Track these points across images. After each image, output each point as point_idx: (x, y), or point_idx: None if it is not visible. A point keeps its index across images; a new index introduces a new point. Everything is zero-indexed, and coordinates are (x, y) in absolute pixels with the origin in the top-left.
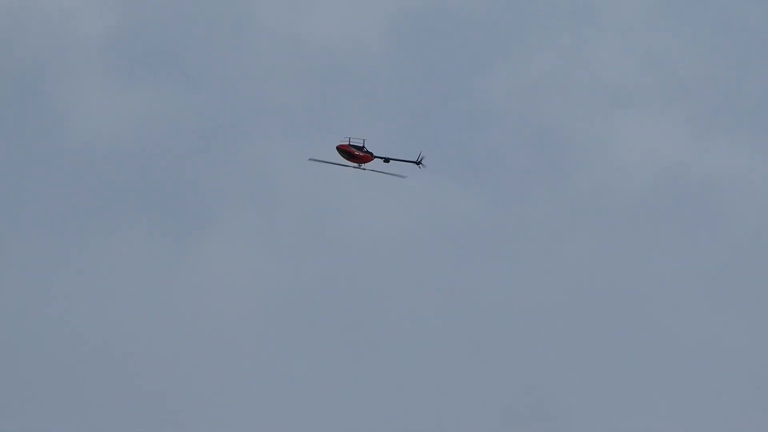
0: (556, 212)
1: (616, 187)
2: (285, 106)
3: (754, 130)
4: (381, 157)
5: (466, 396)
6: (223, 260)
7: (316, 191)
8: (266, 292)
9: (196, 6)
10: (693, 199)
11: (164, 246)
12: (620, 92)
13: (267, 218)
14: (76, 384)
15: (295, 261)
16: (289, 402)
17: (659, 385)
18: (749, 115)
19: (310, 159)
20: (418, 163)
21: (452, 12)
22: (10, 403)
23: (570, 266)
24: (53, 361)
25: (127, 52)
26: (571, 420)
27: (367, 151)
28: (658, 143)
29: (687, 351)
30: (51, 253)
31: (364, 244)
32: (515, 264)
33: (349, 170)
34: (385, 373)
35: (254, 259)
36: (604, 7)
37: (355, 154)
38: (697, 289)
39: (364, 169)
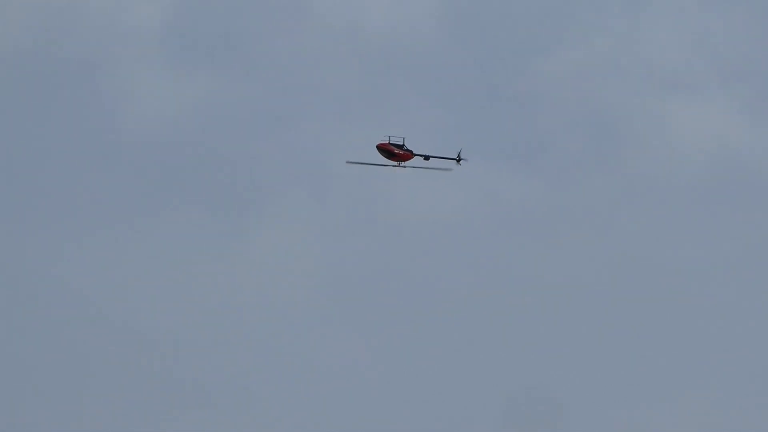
0: (611, 197)
1: (671, 171)
2: (339, 93)
3: None
4: (421, 155)
5: (516, 383)
6: (278, 244)
7: (368, 177)
8: (319, 276)
9: None
10: (748, 184)
11: (219, 230)
12: (675, 76)
13: (321, 203)
14: (129, 367)
15: (348, 246)
16: (336, 384)
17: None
18: None
19: (347, 162)
20: (458, 160)
21: None
22: (66, 386)
23: (623, 251)
24: (107, 345)
25: (183, 40)
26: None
27: (408, 150)
28: (713, 127)
29: (741, 340)
30: (110, 238)
31: (416, 229)
32: (569, 249)
33: (388, 169)
34: (437, 357)
35: (308, 244)
36: None
37: (395, 152)
38: (754, 276)
39: (404, 167)
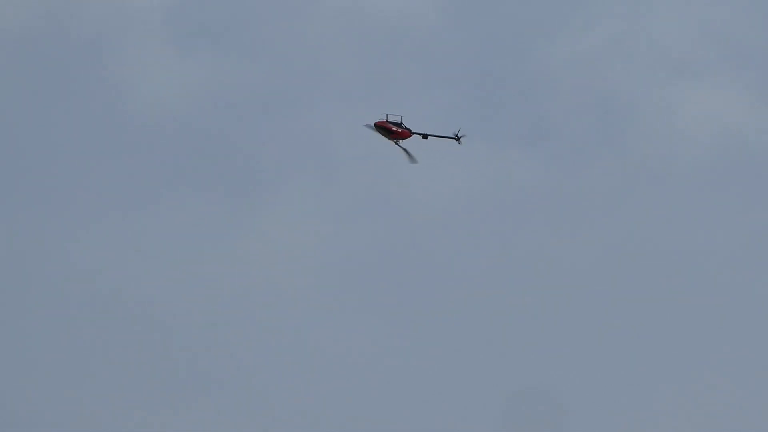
0: (617, 181)
1: (677, 156)
2: (345, 77)
3: None
4: (419, 134)
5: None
6: (284, 229)
7: (374, 159)
8: (325, 259)
9: None
10: (756, 169)
11: (225, 215)
12: (682, 60)
13: (326, 186)
14: (136, 357)
15: (354, 231)
16: (339, 376)
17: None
18: None
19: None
20: (457, 138)
21: None
22: (71, 378)
23: (630, 236)
24: (113, 335)
25: (186, 24)
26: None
27: (406, 128)
28: (720, 112)
29: (747, 333)
30: (115, 222)
31: (423, 214)
32: (576, 234)
33: (395, 153)
34: (443, 346)
35: (315, 229)
36: None
37: (393, 130)
38: (762, 264)
39: (401, 146)
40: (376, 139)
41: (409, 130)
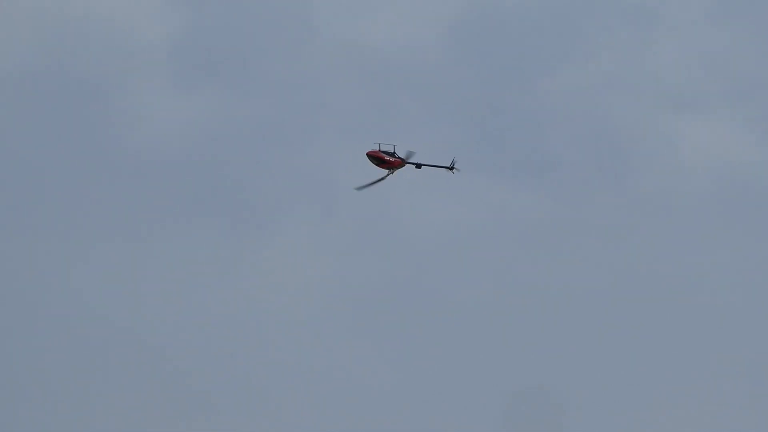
0: (619, 214)
1: (679, 189)
2: (345, 110)
3: None
4: (412, 163)
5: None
6: (285, 263)
7: (375, 194)
8: (325, 295)
9: (256, 11)
10: (758, 202)
11: (227, 248)
12: (683, 93)
13: (327, 221)
14: (132, 384)
15: (354, 264)
16: (343, 398)
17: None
18: None
19: (356, 188)
20: (451, 168)
21: (511, 14)
22: (67, 396)
23: (632, 269)
24: (109, 361)
25: (188, 59)
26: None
27: (398, 157)
28: (722, 145)
29: (749, 352)
30: (118, 256)
31: (422, 246)
32: (577, 265)
33: (394, 186)
34: (445, 371)
35: (315, 262)
36: (667, 7)
37: (385, 160)
38: (764, 292)
39: (393, 174)
40: (376, 172)
41: (402, 159)
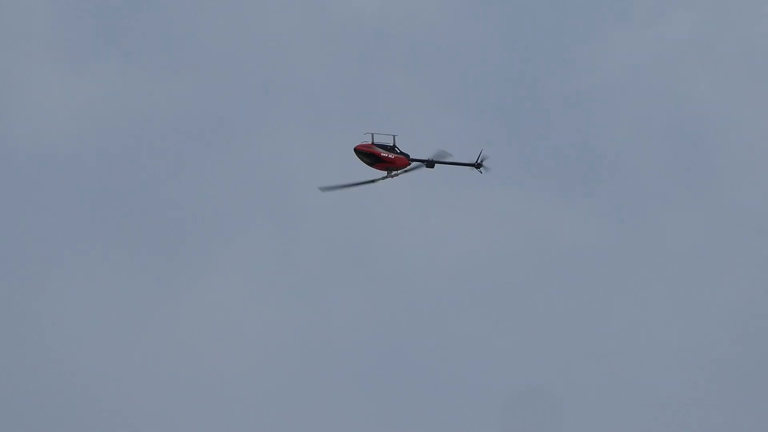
0: (691, 234)
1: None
2: (310, 89)
3: None
4: (421, 160)
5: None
6: (230, 295)
7: (354, 202)
8: (287, 342)
9: None
10: None
11: (148, 281)
12: None
13: (287, 238)
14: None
15: (326, 296)
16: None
17: None
18: None
19: (321, 188)
20: (478, 166)
21: None
22: None
23: (718, 310)
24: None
25: (81, 21)
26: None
27: (401, 152)
28: None
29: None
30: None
31: (431, 282)
32: (642, 308)
33: (365, 188)
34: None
35: (268, 295)
36: None
37: (381, 157)
38: None
39: (394, 176)
40: (369, 174)
41: (407, 156)
